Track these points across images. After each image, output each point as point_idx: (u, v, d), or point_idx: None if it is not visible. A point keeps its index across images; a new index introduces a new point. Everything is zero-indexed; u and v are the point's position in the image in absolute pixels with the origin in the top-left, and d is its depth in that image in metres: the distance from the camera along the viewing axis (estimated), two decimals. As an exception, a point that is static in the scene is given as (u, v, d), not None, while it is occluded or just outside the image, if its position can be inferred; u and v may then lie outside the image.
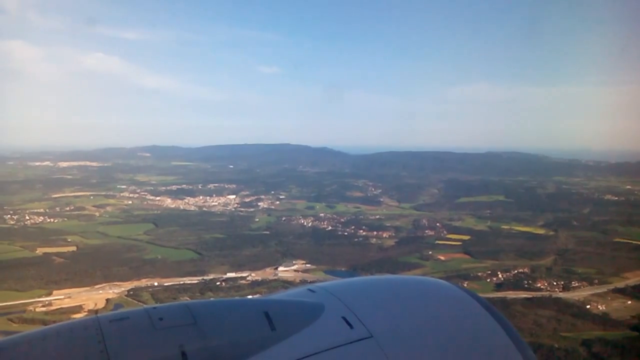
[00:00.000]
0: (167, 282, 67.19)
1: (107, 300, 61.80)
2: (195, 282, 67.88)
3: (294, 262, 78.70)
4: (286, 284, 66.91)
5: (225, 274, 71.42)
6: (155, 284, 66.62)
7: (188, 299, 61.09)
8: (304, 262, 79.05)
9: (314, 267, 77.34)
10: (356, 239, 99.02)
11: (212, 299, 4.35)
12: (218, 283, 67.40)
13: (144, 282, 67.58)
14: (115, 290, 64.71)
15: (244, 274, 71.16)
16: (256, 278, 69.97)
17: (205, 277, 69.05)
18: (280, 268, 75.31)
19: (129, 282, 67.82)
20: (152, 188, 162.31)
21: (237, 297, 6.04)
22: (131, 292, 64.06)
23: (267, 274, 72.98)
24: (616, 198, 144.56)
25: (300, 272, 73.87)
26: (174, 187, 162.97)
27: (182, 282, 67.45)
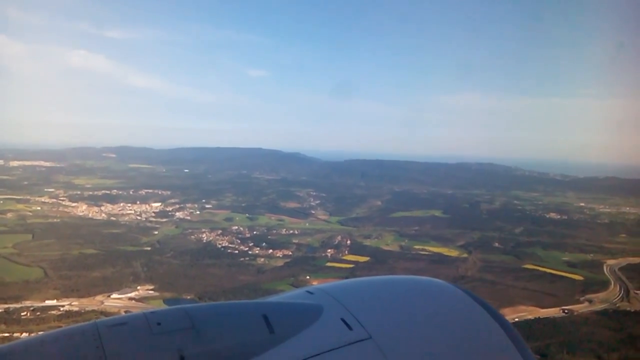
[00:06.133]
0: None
1: None
2: (-3, 311, 59.67)
3: (138, 287, 70.66)
4: (103, 315, 58.80)
5: (44, 301, 63.33)
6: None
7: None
8: (151, 287, 70.99)
9: (157, 294, 69.19)
10: (242, 259, 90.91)
11: (210, 302, 3.28)
12: (24, 314, 59.23)
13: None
14: None
15: (64, 303, 63.03)
16: (73, 308, 61.71)
17: (11, 306, 60.89)
18: (114, 295, 67.10)
19: None
20: (78, 192, 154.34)
21: (235, 300, 3.66)
22: None
23: (94, 302, 64.82)
24: (558, 217, 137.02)
25: (134, 301, 65.75)
26: (100, 193, 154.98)
27: (-24, 313, 59.12)
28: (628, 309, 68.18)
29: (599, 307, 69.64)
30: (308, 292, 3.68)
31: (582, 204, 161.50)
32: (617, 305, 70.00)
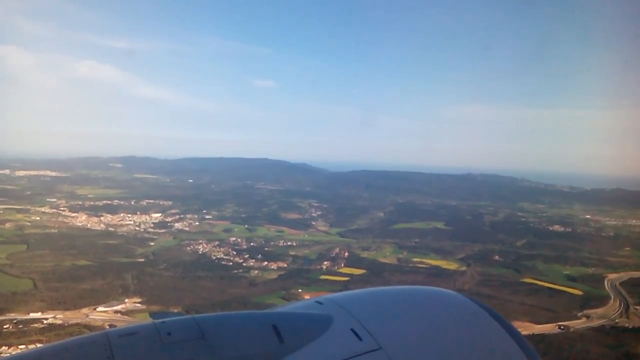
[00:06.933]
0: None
1: None
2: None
3: (126, 300, 69.72)
4: (86, 329, 57.95)
5: (29, 314, 62.58)
6: None
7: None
8: (138, 300, 69.96)
9: (144, 307, 68.06)
10: (235, 271, 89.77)
11: (219, 312, 3.55)
12: (6, 326, 58.01)
13: None
14: None
15: (48, 316, 62.17)
16: (57, 321, 60.82)
17: (-8, 320, 60.13)
18: (100, 308, 66.11)
19: None
20: (80, 203, 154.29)
21: (245, 310, 4.96)
22: None
23: (79, 315, 63.90)
24: (562, 229, 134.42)
25: (119, 314, 64.79)
26: (101, 203, 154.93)
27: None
28: (626, 325, 66.02)
29: (597, 323, 67.51)
30: (317, 302, 3.64)
31: (588, 216, 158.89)
32: (616, 321, 67.88)
